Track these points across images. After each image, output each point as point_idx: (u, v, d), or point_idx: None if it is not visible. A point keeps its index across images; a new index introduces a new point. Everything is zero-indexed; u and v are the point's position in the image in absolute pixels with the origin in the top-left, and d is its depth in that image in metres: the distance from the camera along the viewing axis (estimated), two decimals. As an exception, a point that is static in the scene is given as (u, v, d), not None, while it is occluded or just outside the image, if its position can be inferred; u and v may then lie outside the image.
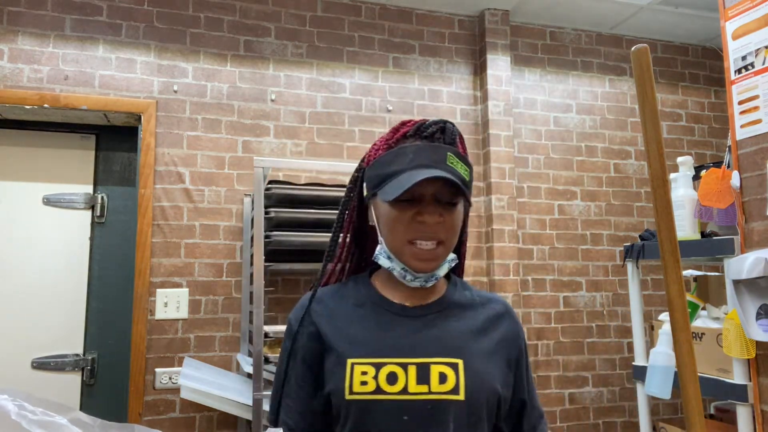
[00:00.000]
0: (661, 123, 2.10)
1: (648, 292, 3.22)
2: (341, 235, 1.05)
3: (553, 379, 2.97)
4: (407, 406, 0.88)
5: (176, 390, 2.47)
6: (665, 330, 1.98)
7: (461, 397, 0.89)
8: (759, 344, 1.72)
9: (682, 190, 2.00)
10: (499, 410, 0.95)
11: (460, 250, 1.08)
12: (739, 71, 1.80)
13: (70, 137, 2.68)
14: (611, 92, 3.32)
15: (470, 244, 2.96)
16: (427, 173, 0.88)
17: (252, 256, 2.35)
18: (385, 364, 0.90)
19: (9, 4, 2.50)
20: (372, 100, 2.92)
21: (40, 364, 2.51)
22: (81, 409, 2.59)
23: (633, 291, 2.20)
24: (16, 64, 2.48)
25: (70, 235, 2.61)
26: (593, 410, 3.01)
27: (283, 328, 2.31)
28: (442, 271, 0.97)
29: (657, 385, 1.95)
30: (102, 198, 2.66)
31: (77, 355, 2.56)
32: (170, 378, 2.48)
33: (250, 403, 2.09)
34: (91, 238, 2.64)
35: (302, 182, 2.71)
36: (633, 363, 2.17)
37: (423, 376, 0.89)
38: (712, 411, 2.36)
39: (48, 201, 2.61)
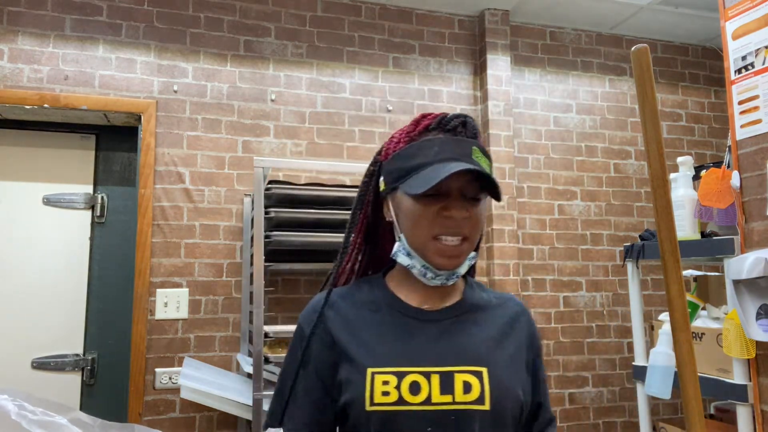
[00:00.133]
0: (661, 123, 2.10)
1: (648, 292, 3.22)
2: (355, 232, 1.01)
3: (553, 379, 2.97)
4: (431, 416, 0.84)
5: (176, 390, 2.47)
6: (665, 330, 1.98)
7: (486, 406, 0.85)
8: (759, 344, 1.72)
9: (682, 190, 2.00)
10: (521, 417, 0.92)
11: (477, 247, 1.03)
12: (739, 71, 1.80)
13: (70, 137, 2.68)
14: (611, 92, 3.32)
15: (470, 244, 2.96)
16: (458, 166, 0.84)
17: (252, 256, 2.35)
18: (407, 373, 0.86)
19: (9, 4, 2.50)
20: (372, 100, 2.92)
21: (40, 364, 2.51)
22: (81, 409, 2.59)
23: (633, 291, 2.20)
24: (16, 64, 2.48)
25: (70, 235, 2.61)
26: (593, 410, 3.01)
27: (283, 328, 2.31)
28: (464, 268, 0.93)
29: (657, 385, 1.95)
30: (102, 198, 2.66)
31: (77, 355, 2.56)
32: (170, 378, 2.48)
33: (250, 403, 2.09)
34: (91, 238, 2.64)
35: (302, 182, 2.71)
36: (633, 363, 2.17)
37: (447, 386, 0.86)
38: (712, 411, 2.36)
39: (48, 201, 2.61)
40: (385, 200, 0.97)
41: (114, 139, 2.73)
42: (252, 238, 2.32)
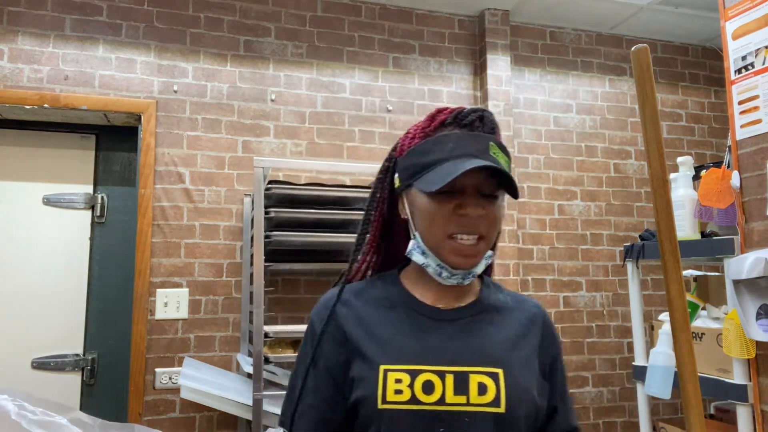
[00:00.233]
0: (661, 123, 2.10)
1: (648, 292, 3.22)
2: (370, 229, 0.98)
3: (553, 379, 2.97)
4: (444, 417, 0.82)
5: (176, 390, 2.47)
6: (665, 330, 1.98)
7: (502, 409, 0.83)
8: (759, 344, 1.72)
9: (682, 190, 2.00)
10: (536, 421, 0.90)
11: (494, 246, 1.00)
12: (739, 71, 1.80)
13: (70, 137, 2.68)
14: (611, 92, 3.32)
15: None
16: (475, 162, 0.82)
17: (252, 256, 2.35)
18: (421, 371, 0.84)
19: (9, 4, 2.50)
20: (372, 100, 2.92)
21: (40, 364, 2.51)
22: (81, 409, 2.59)
23: (633, 291, 2.20)
24: (16, 64, 2.48)
25: (70, 235, 2.61)
26: (593, 410, 3.01)
27: (283, 328, 2.31)
28: (480, 268, 0.91)
29: (657, 385, 1.95)
30: (102, 198, 2.66)
31: (77, 355, 2.56)
32: (170, 378, 2.48)
33: (250, 403, 2.09)
34: (91, 238, 2.64)
35: (302, 182, 2.71)
36: (633, 363, 2.17)
37: (461, 386, 0.83)
38: (712, 411, 2.36)
39: (48, 201, 2.61)
40: (400, 197, 0.94)
41: (114, 139, 2.73)
42: (252, 238, 2.32)
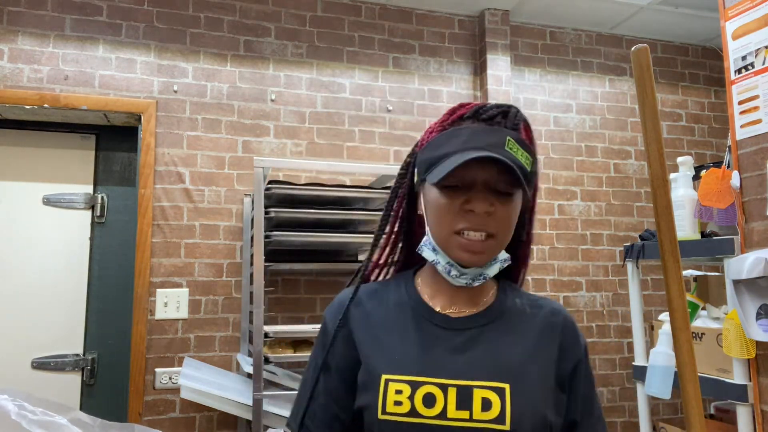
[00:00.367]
0: (661, 123, 2.10)
1: (648, 292, 3.22)
2: (389, 226, 0.95)
3: (553, 379, 2.97)
4: None
5: (176, 390, 2.47)
6: (665, 330, 1.98)
7: (506, 426, 0.78)
8: (759, 344, 1.72)
9: (682, 190, 2.00)
10: None
11: (518, 251, 0.95)
12: (739, 71, 1.80)
13: (70, 137, 2.68)
14: (611, 92, 3.32)
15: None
16: (474, 154, 0.79)
17: (252, 256, 2.35)
18: (422, 383, 0.81)
19: (9, 4, 2.50)
20: (372, 100, 2.92)
21: (40, 364, 2.51)
22: (81, 409, 2.59)
23: (633, 291, 2.19)
24: (16, 64, 2.48)
25: (70, 235, 2.61)
26: (593, 410, 3.01)
27: (283, 328, 2.31)
28: (492, 270, 0.86)
29: (657, 385, 1.94)
30: (102, 198, 2.66)
31: (77, 355, 2.56)
32: (170, 378, 2.48)
33: (250, 403, 2.09)
34: (91, 238, 2.64)
35: (302, 182, 2.71)
36: (633, 363, 2.17)
37: (464, 401, 0.79)
38: (712, 411, 2.36)
39: (48, 201, 2.61)
40: (419, 193, 0.91)
41: (114, 139, 2.73)
42: (252, 238, 2.32)
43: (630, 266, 2.19)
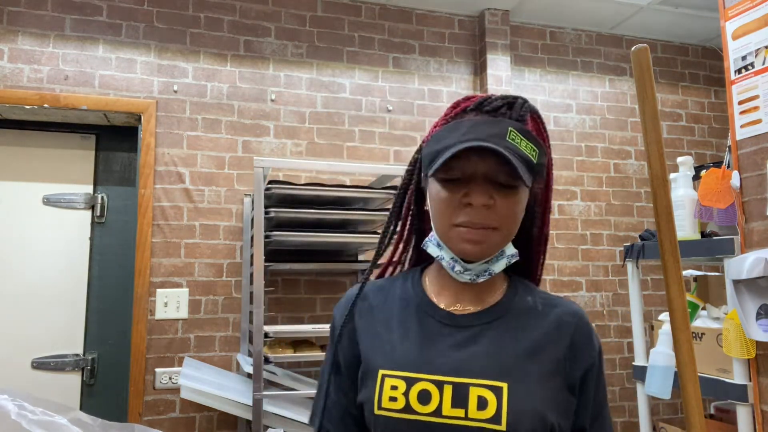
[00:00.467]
0: (661, 123, 2.10)
1: (648, 292, 3.22)
2: (397, 222, 0.94)
3: (553, 379, 2.97)
4: (439, 429, 0.77)
5: (176, 390, 2.47)
6: (665, 330, 1.98)
7: (502, 427, 0.76)
8: (759, 344, 1.72)
9: (682, 190, 2.00)
10: None
11: (531, 247, 0.92)
12: (739, 71, 1.80)
13: (70, 137, 2.68)
14: (611, 92, 3.32)
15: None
16: (467, 144, 0.76)
17: (252, 256, 2.35)
18: (418, 380, 0.80)
19: (9, 4, 2.50)
20: (372, 100, 2.92)
21: (40, 364, 2.51)
22: (81, 409, 2.59)
23: (633, 291, 2.19)
24: (16, 64, 2.48)
25: (70, 235, 2.61)
26: (593, 410, 3.01)
27: (283, 328, 2.31)
28: (498, 266, 0.84)
29: (657, 385, 1.95)
30: (102, 198, 2.66)
31: (77, 355, 2.56)
32: (170, 378, 2.48)
33: (250, 403, 2.09)
34: (91, 238, 2.64)
35: (302, 182, 2.71)
36: (633, 363, 2.17)
37: (460, 399, 0.78)
38: (712, 411, 2.36)
39: (48, 201, 2.61)
40: (425, 188, 0.89)
41: (114, 139, 2.73)
42: (252, 238, 2.32)
43: (630, 266, 2.19)
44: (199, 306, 2.56)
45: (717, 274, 2.22)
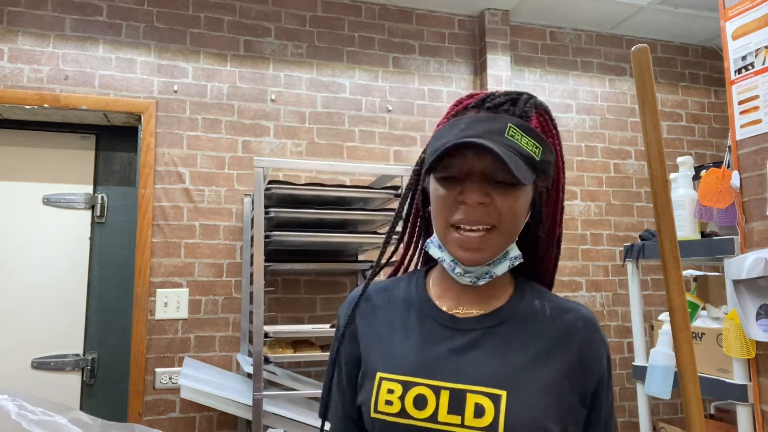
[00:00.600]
0: (661, 123, 2.10)
1: (648, 292, 3.22)
2: (405, 223, 0.93)
3: (553, 379, 2.97)
4: None
5: (176, 390, 2.47)
6: (665, 330, 1.98)
7: None
8: (759, 344, 1.72)
9: (682, 190, 2.00)
10: None
11: (541, 249, 0.88)
12: (739, 71, 1.80)
13: (70, 137, 2.68)
14: (611, 92, 3.32)
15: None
16: (456, 141, 0.74)
17: (252, 256, 2.35)
18: (414, 384, 0.78)
19: (9, 4, 2.50)
20: (372, 100, 2.92)
21: (40, 364, 2.51)
22: (81, 409, 2.59)
23: (633, 291, 2.19)
24: (16, 64, 2.48)
25: (70, 235, 2.61)
26: (593, 410, 3.01)
27: (283, 328, 2.31)
28: (500, 269, 0.81)
29: (657, 385, 1.95)
30: (102, 198, 2.66)
31: (77, 355, 2.56)
32: (170, 378, 2.48)
33: (250, 403, 2.09)
34: (91, 238, 2.64)
35: (302, 182, 2.71)
36: (633, 363, 2.17)
37: (456, 405, 0.75)
38: (712, 411, 2.36)
39: (48, 201, 2.61)
40: (428, 187, 0.87)
41: (114, 139, 2.73)
42: (252, 238, 2.32)
43: (630, 266, 2.19)
44: (199, 306, 2.56)
45: (717, 274, 2.22)
